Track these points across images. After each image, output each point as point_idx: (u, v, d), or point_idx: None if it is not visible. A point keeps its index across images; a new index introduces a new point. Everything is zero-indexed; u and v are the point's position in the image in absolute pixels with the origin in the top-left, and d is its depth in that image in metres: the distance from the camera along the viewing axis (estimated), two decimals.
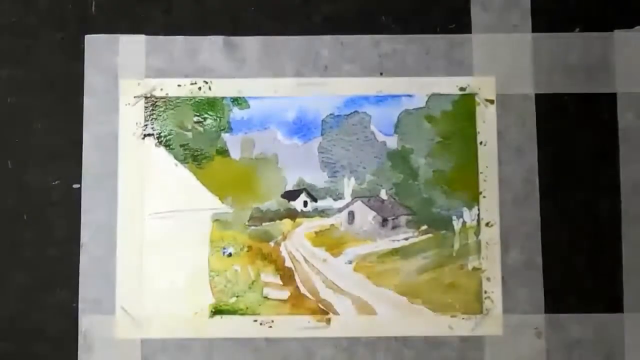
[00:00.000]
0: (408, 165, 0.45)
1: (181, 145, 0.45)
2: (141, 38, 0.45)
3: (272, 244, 0.45)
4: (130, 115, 0.45)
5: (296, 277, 0.44)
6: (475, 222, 0.45)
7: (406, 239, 0.45)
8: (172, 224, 0.44)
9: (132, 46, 0.45)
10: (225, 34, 0.46)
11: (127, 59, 0.45)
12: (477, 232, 0.45)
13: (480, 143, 0.45)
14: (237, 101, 0.45)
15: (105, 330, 0.43)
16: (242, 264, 0.44)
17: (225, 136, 0.45)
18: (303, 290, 0.44)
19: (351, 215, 0.45)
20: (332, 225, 0.45)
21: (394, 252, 0.45)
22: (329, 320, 0.44)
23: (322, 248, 0.45)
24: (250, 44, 0.46)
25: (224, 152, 0.45)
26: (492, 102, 0.45)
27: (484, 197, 0.45)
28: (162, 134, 0.45)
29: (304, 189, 0.45)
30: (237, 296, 0.44)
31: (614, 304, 0.44)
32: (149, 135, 0.45)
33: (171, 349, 0.43)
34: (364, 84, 0.45)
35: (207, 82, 0.45)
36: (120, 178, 0.45)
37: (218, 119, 0.45)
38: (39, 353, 0.44)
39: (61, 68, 0.45)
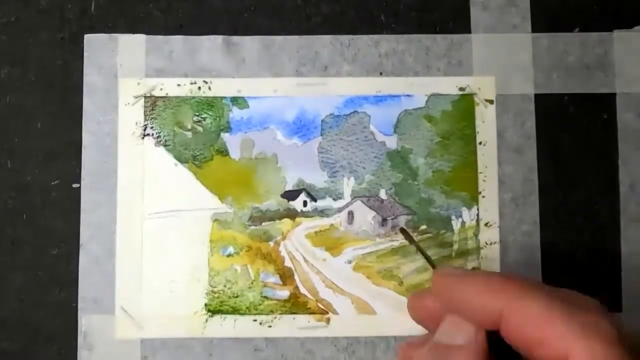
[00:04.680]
0: (407, 165, 0.45)
1: (181, 145, 0.45)
2: (141, 38, 0.45)
3: (271, 243, 0.45)
4: (130, 115, 0.45)
5: (296, 277, 0.44)
6: (474, 222, 0.45)
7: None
8: (172, 224, 0.44)
9: (131, 46, 0.45)
10: (225, 34, 0.46)
11: (126, 58, 0.45)
12: (477, 232, 0.45)
13: (480, 143, 0.45)
14: (237, 101, 0.45)
15: (105, 330, 0.43)
16: (241, 263, 0.44)
17: (225, 136, 0.45)
18: (303, 290, 0.44)
19: (351, 215, 0.45)
20: (331, 225, 0.45)
21: (394, 252, 0.45)
22: (328, 320, 0.44)
23: (321, 248, 0.45)
24: (250, 43, 0.46)
25: (223, 152, 0.45)
26: (491, 102, 0.45)
27: (484, 197, 0.45)
28: (161, 134, 0.45)
29: (304, 189, 0.45)
30: (236, 296, 0.44)
31: (614, 304, 0.44)
32: (148, 135, 0.45)
33: (171, 349, 0.43)
34: (364, 84, 0.45)
35: (206, 82, 0.45)
36: (120, 178, 0.45)
37: (217, 119, 0.45)
38: (38, 353, 0.44)
39: (61, 68, 0.45)
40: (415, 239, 0.42)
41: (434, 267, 0.37)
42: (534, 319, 0.28)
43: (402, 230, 0.42)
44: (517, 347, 0.29)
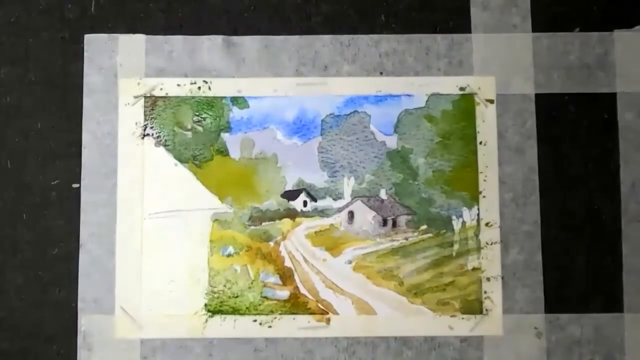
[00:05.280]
0: (408, 165, 0.45)
1: (181, 145, 0.45)
2: (141, 37, 0.45)
3: (271, 243, 0.45)
4: (130, 115, 0.45)
5: (296, 277, 0.44)
6: (475, 222, 0.45)
7: (406, 238, 0.45)
8: (171, 224, 0.44)
9: (131, 46, 0.45)
10: (225, 34, 0.46)
11: (126, 58, 0.45)
12: (477, 232, 0.45)
13: (480, 143, 0.45)
14: (237, 101, 0.45)
15: (105, 330, 0.43)
16: (241, 263, 0.44)
17: (225, 136, 0.45)
18: (303, 290, 0.44)
19: (351, 215, 0.45)
20: (331, 225, 0.45)
21: (394, 252, 0.45)
22: (328, 320, 0.44)
23: (321, 248, 0.45)
24: (250, 43, 0.46)
25: (223, 151, 0.45)
26: (492, 102, 0.45)
27: (484, 197, 0.45)
28: (161, 134, 0.45)
29: (304, 189, 0.45)
30: (236, 296, 0.44)
31: (614, 304, 0.44)
32: (148, 135, 0.45)
33: (171, 349, 0.43)
34: (364, 83, 0.45)
35: (206, 82, 0.45)
36: (119, 178, 0.45)
37: (217, 119, 0.45)
38: (38, 353, 0.44)
39: (61, 68, 0.45)
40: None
41: None
42: None
43: None
44: None
